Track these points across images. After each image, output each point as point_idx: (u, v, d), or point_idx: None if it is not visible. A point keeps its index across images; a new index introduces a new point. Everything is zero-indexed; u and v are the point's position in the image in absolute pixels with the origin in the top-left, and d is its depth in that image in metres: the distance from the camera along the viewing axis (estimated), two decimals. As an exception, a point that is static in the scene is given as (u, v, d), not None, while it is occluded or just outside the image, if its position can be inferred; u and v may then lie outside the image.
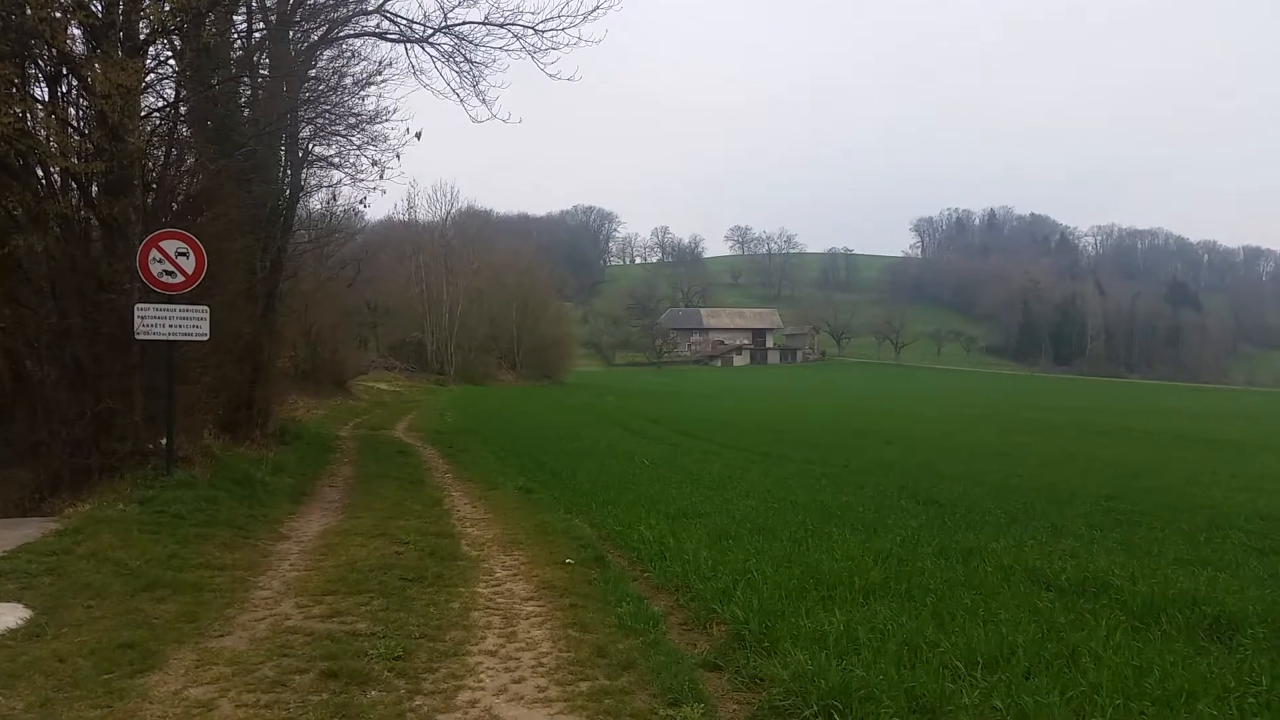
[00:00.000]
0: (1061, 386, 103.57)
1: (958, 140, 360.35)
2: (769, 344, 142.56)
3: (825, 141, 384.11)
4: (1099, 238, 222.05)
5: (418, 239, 62.37)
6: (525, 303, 67.91)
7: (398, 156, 17.50)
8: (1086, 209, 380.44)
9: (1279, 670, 4.93)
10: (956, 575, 7.24)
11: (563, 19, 15.08)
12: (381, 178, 17.66)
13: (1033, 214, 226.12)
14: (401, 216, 64.22)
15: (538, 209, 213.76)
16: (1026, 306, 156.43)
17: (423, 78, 16.98)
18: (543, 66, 15.60)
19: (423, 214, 64.96)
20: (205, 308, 10.95)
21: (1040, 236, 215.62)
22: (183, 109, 12.85)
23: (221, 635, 5.90)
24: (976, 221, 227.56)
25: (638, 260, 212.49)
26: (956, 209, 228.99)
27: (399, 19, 16.21)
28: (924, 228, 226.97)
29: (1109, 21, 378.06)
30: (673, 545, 8.28)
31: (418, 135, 17.37)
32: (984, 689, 4.60)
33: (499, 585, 7.43)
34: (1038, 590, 6.87)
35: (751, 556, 7.72)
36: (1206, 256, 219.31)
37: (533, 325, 68.87)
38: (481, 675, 5.23)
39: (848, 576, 6.88)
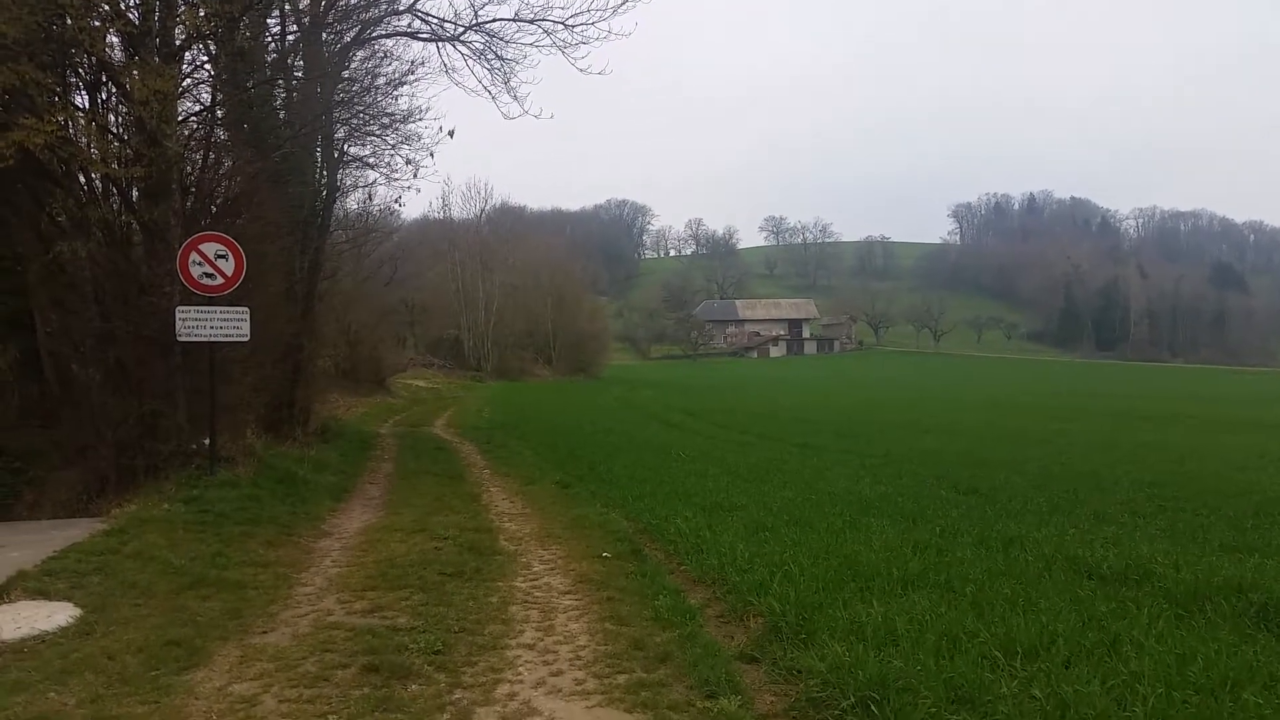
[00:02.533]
0: (1104, 372, 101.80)
1: (997, 124, 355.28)
2: (805, 334, 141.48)
3: (861, 127, 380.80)
4: (1141, 220, 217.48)
5: (453, 236, 62.84)
6: (560, 298, 68.11)
7: (431, 155, 17.67)
8: (1128, 191, 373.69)
9: (1329, 658, 4.83)
10: (996, 565, 7.17)
11: (592, 13, 15.07)
12: (415, 176, 17.84)
13: (1073, 197, 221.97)
14: (436, 215, 64.83)
15: (571, 204, 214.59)
16: (1068, 291, 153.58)
17: (454, 76, 17.12)
18: (573, 62, 15.61)
19: (457, 211, 65.55)
20: (245, 309, 11.09)
21: (1081, 220, 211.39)
22: (219, 113, 13.04)
23: (265, 631, 6.01)
24: (1016, 206, 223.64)
25: (672, 253, 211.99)
26: (995, 194, 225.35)
27: (430, 18, 16.30)
28: (962, 214, 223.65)
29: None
30: (709, 538, 8.27)
31: (450, 133, 17.52)
32: (1023, 679, 4.55)
33: (536, 579, 7.49)
34: (1079, 579, 6.79)
35: (788, 548, 7.69)
36: (1253, 237, 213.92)
37: (568, 320, 69.05)
38: (520, 668, 5.27)
39: (885, 567, 6.84)
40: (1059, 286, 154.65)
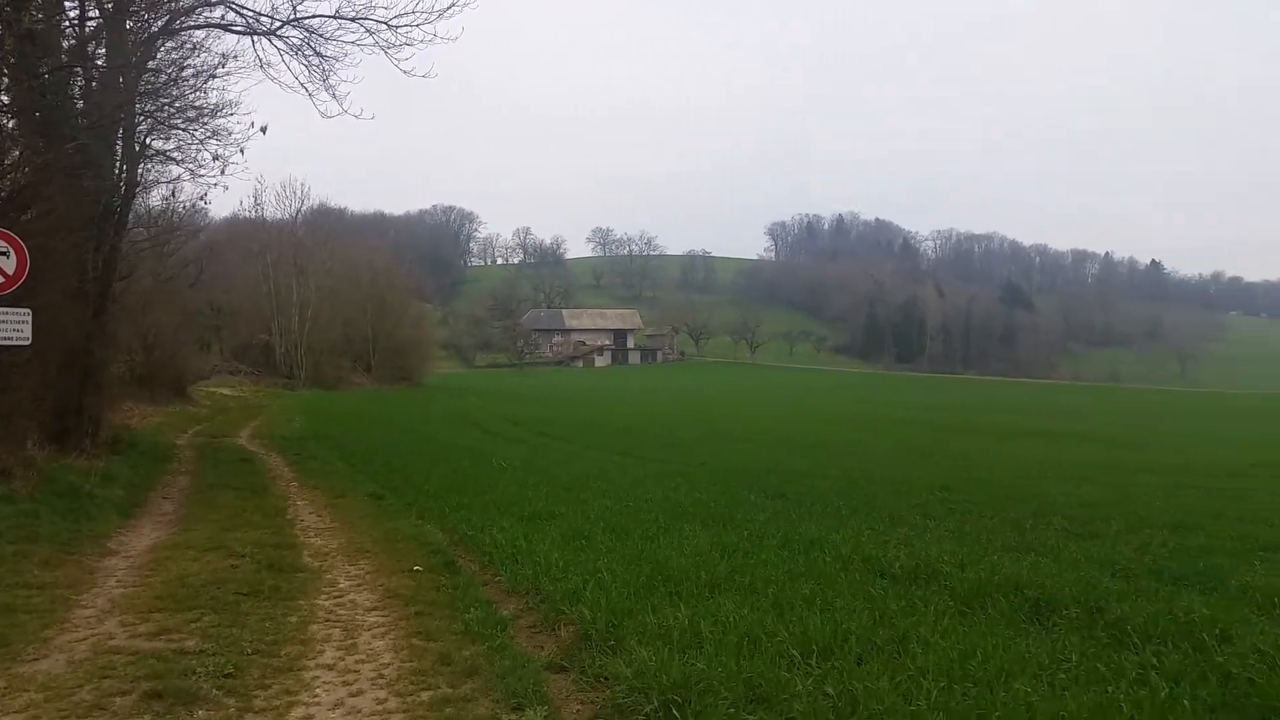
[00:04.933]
0: (903, 384, 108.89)
1: (809, 148, 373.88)
2: (630, 345, 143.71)
3: (684, 146, 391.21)
4: (938, 242, 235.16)
5: (266, 237, 59.63)
6: (381, 303, 65.90)
7: (241, 151, 16.73)
8: (927, 215, 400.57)
9: (1088, 648, 5.31)
10: (798, 566, 7.47)
11: (417, 15, 14.64)
12: (223, 173, 16.83)
13: (878, 219, 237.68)
14: (248, 214, 61.38)
15: (395, 208, 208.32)
16: (871, 308, 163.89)
17: (270, 71, 16.17)
18: (397, 63, 15.14)
19: (271, 211, 62.19)
20: (27, 310, 10.30)
21: (884, 241, 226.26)
22: (5, 99, 11.95)
23: (36, 659, 5.47)
24: (826, 226, 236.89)
25: (499, 261, 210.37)
26: (807, 214, 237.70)
27: (245, 10, 15.40)
28: (777, 231, 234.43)
29: (943, 33, 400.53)
30: (525, 548, 8.21)
31: (263, 130, 16.66)
32: (818, 676, 4.75)
33: (341, 596, 7.18)
34: (873, 578, 7.17)
35: (603, 556, 7.76)
36: (1038, 259, 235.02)
37: (389, 327, 66.90)
38: (317, 690, 5.04)
39: (695, 571, 7.00)
40: (864, 303, 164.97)
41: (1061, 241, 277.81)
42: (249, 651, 5.61)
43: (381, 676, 5.25)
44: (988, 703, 4.40)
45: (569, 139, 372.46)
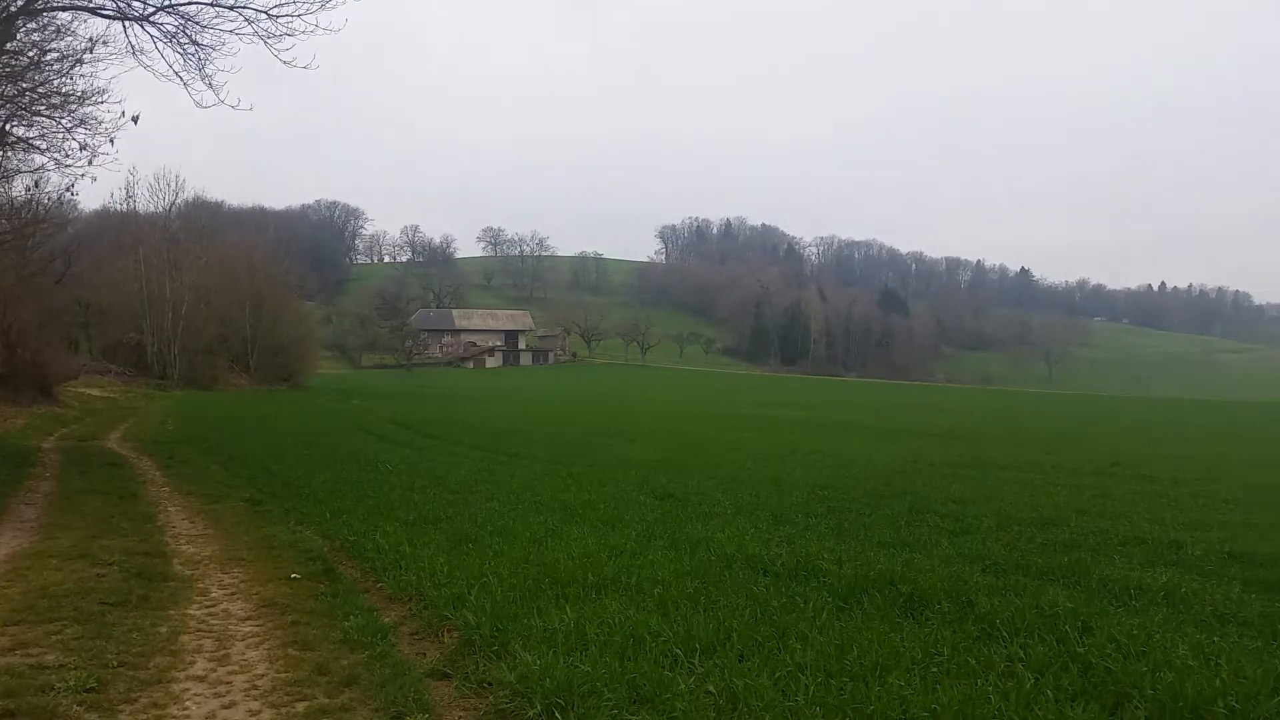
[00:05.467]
0: (788, 384, 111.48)
1: (700, 151, 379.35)
2: (521, 345, 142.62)
3: (576, 146, 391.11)
4: (821, 248, 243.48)
5: (138, 231, 56.64)
6: (260, 301, 63.35)
7: (111, 141, 15.95)
8: (811, 221, 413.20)
9: (959, 641, 5.55)
10: (684, 566, 7.58)
11: (299, 5, 14.23)
12: (92, 163, 16.04)
13: (764, 224, 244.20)
14: (120, 206, 58.22)
15: (276, 202, 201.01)
16: (758, 310, 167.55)
17: (143, 58, 15.38)
18: (277, 53, 14.66)
19: (144, 204, 59.15)
20: None
21: (770, 246, 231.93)
22: None
23: None
24: (715, 230, 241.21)
25: (386, 259, 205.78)
26: (697, 218, 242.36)
27: (116, -8, 14.65)
28: (668, 235, 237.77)
29: (828, 54, 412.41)
30: (409, 553, 8.08)
31: (134, 119, 15.89)
32: (700, 675, 4.84)
33: (214, 605, 6.92)
34: (756, 576, 7.33)
35: (490, 560, 7.70)
36: (914, 266, 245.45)
37: (269, 325, 64.39)
38: (187, 703, 4.85)
39: (582, 573, 7.03)
40: (751, 306, 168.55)
41: (936, 249, 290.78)
42: (114, 664, 5.36)
43: (255, 688, 5.10)
44: (864, 696, 4.56)
45: (462, 137, 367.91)
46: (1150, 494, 15.48)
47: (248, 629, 6.29)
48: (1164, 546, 9.51)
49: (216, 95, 15.28)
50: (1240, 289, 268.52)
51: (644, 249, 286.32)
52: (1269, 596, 7.15)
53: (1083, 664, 5.07)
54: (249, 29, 14.51)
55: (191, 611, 6.71)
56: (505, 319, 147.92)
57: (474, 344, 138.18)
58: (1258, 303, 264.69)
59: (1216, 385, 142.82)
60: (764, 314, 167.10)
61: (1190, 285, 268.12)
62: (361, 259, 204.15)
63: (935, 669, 5.03)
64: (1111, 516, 12.06)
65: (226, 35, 14.72)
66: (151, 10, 14.76)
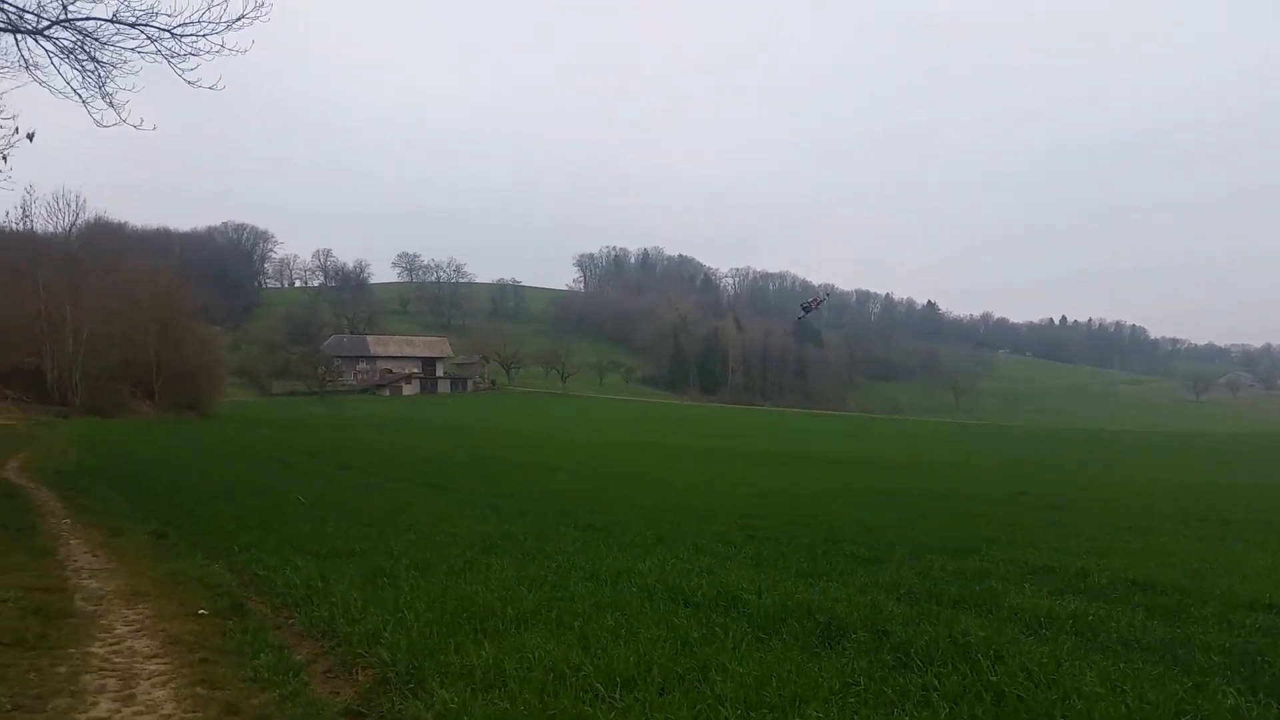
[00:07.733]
0: (707, 413, 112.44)
1: (616, 182, 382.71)
2: (439, 373, 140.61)
3: (491, 175, 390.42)
4: (737, 279, 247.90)
5: (35, 253, 54.24)
6: (165, 326, 61.14)
7: (4, 158, 15.17)
8: (727, 253, 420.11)
9: (875, 670, 5.61)
10: (604, 598, 7.51)
11: (204, 25, 13.86)
12: (-17, 183, 15.17)
13: (681, 255, 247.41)
14: (15, 227, 55.73)
15: (181, 223, 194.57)
16: (676, 340, 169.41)
17: (37, 73, 14.75)
18: (181, 73, 14.24)
19: (41, 224, 56.83)
20: None
21: (687, 276, 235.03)
22: None
23: None
24: (633, 260, 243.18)
25: (298, 284, 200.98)
26: (615, 247, 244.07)
27: (8, 5, 14.02)
28: (586, 263, 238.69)
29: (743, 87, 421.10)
30: (321, 588, 7.85)
31: (29, 136, 15.21)
32: (621, 709, 4.80)
33: (118, 643, 6.59)
34: (676, 607, 7.30)
35: (406, 594, 7.52)
36: (827, 298, 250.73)
37: (174, 351, 62.10)
38: (86, 749, 4.59)
39: (501, 607, 6.91)
40: (669, 335, 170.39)
41: (847, 283, 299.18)
42: (8, 708, 5.08)
43: (160, 731, 4.86)
44: (783, 727, 4.58)
45: (375, 162, 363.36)
46: (1057, 523, 15.98)
47: (153, 667, 6.01)
48: (1071, 575, 9.75)
49: (118, 114, 14.75)
50: (1136, 323, 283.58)
51: (563, 277, 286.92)
52: (1170, 622, 7.41)
53: (995, 693, 5.17)
54: (152, 48, 14.09)
55: (94, 650, 6.38)
56: (422, 345, 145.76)
57: (390, 371, 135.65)
58: (1153, 336, 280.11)
59: (1118, 416, 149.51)
60: (682, 343, 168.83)
61: (1090, 319, 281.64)
62: (271, 283, 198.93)
63: (853, 699, 5.08)
64: (1020, 545, 12.36)
65: (128, 53, 14.25)
66: (46, 24, 14.21)
